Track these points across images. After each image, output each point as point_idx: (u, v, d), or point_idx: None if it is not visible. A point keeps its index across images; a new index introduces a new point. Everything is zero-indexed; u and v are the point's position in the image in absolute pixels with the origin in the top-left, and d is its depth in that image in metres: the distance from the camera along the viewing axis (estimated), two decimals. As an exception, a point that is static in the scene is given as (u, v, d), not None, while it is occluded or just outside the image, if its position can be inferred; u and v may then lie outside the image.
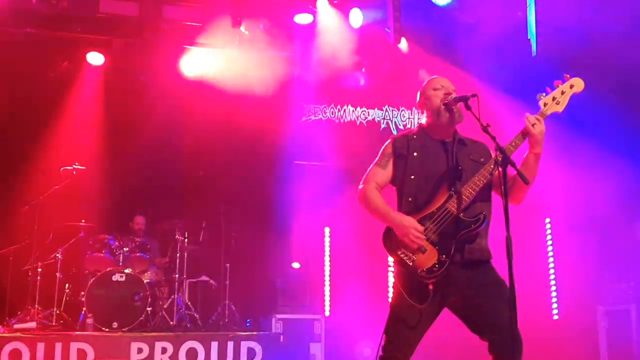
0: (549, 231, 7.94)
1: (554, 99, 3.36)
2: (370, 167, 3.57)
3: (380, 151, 3.57)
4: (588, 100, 3.96)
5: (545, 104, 3.36)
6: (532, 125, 3.26)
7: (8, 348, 6.21)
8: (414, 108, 8.65)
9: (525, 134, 3.30)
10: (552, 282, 7.76)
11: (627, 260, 6.90)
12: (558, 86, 3.39)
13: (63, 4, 7.21)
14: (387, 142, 3.60)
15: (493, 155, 3.34)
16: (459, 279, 3.27)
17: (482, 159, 3.41)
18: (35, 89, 8.14)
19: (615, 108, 6.71)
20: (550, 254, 7.90)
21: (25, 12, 7.47)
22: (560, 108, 3.37)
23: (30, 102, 8.08)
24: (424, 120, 3.60)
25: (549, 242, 7.92)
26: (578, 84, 3.37)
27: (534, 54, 7.21)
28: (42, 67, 8.18)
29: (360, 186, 3.52)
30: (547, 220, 7.95)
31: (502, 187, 3.10)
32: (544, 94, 3.38)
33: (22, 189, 7.60)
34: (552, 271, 7.81)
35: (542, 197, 6.63)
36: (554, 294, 7.75)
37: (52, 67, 8.24)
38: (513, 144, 3.27)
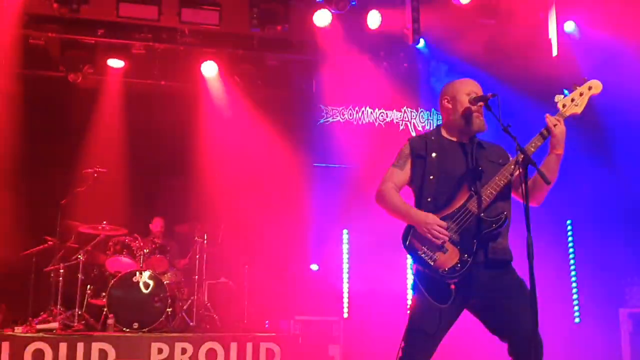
0: (570, 233, 7.85)
1: (572, 100, 3.41)
2: (389, 168, 3.58)
3: (398, 153, 3.59)
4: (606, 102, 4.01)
5: (564, 105, 3.40)
6: (554, 125, 3.30)
7: (31, 348, 6.24)
8: (433, 109, 8.67)
9: (546, 134, 3.33)
10: (574, 285, 7.68)
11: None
12: (576, 88, 3.43)
13: (83, 8, 7.16)
14: (405, 143, 3.61)
15: (511, 157, 3.41)
16: (481, 279, 3.29)
17: (500, 161, 3.45)
18: (58, 93, 8.26)
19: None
20: (572, 255, 7.80)
21: (46, 17, 7.56)
22: (579, 109, 3.41)
23: (54, 105, 8.22)
24: (444, 121, 3.63)
25: (570, 244, 7.83)
26: (596, 86, 3.43)
27: (554, 54, 7.24)
28: (63, 71, 8.19)
29: (379, 187, 3.54)
30: (569, 222, 7.86)
31: (523, 187, 3.13)
32: (563, 96, 3.43)
33: (46, 191, 7.63)
34: (573, 273, 7.72)
35: (563, 199, 6.61)
36: (575, 296, 7.66)
37: (74, 70, 8.20)
38: (533, 144, 3.31)
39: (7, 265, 7.31)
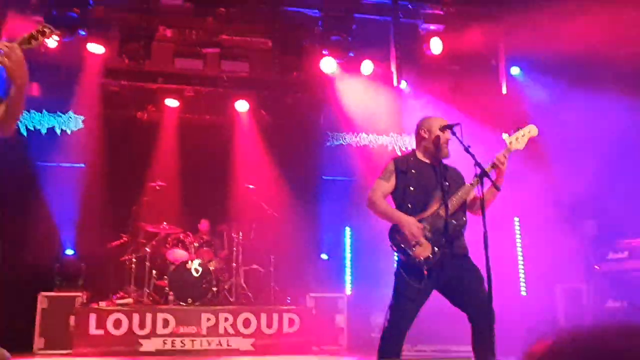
0: (517, 227, 7.84)
1: (517, 138, 3.48)
2: (376, 180, 3.57)
3: (383, 169, 3.59)
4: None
5: (510, 142, 3.47)
6: (502, 163, 3.40)
7: (112, 318, 6.42)
8: (412, 134, 8.70)
9: (494, 167, 3.41)
10: (521, 266, 7.65)
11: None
12: (519, 129, 3.50)
13: (147, 62, 7.19)
14: (389, 161, 3.62)
15: (464, 179, 3.53)
16: (448, 267, 3.37)
17: (459, 180, 3.57)
18: (129, 126, 8.38)
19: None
20: (519, 245, 7.76)
21: (120, 70, 7.58)
22: (521, 146, 3.49)
23: (126, 135, 8.30)
24: (419, 147, 3.62)
25: (518, 236, 7.80)
26: (534, 130, 3.51)
27: (504, 92, 7.36)
28: (133, 109, 8.39)
29: (369, 195, 3.54)
30: (516, 219, 7.86)
31: (481, 192, 3.28)
32: (509, 135, 3.48)
33: (122, 200, 7.70)
34: (520, 258, 7.69)
35: (512, 200, 6.63)
36: (522, 274, 7.64)
37: (141, 109, 8.43)
38: (487, 169, 3.36)
39: (94, 256, 7.40)
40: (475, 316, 3.32)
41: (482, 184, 3.34)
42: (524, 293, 7.67)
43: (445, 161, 3.63)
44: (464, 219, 3.46)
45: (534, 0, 5.78)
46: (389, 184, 3.54)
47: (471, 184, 3.42)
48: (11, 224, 6.19)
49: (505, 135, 3.52)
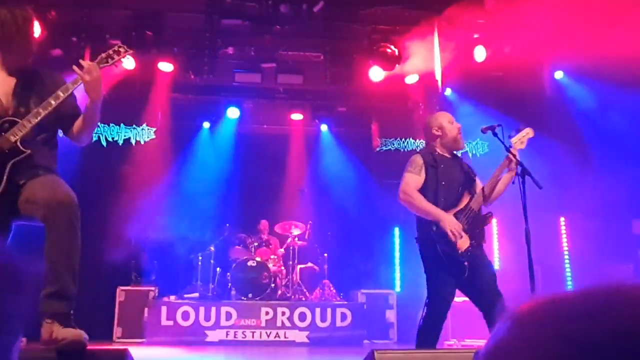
0: (563, 227, 7.44)
1: (520, 140, 3.49)
2: (406, 174, 3.39)
3: (411, 163, 3.43)
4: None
5: (515, 142, 3.46)
6: (513, 159, 3.36)
7: (181, 310, 6.61)
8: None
9: (506, 166, 3.40)
10: (567, 267, 7.27)
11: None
12: (519, 131, 3.52)
13: (210, 77, 7.35)
14: (415, 156, 3.47)
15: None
16: (477, 258, 3.32)
17: (474, 172, 3.56)
18: (194, 135, 8.61)
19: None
20: (565, 242, 7.29)
21: (186, 83, 7.76)
22: (523, 146, 3.49)
23: (192, 143, 8.50)
24: (435, 144, 3.52)
25: (564, 236, 7.37)
26: (531, 132, 3.54)
27: (548, 95, 7.14)
28: (199, 120, 8.59)
29: (402, 188, 3.37)
30: (562, 219, 7.48)
31: (521, 189, 3.26)
32: (514, 136, 3.48)
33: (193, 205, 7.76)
34: (567, 258, 7.27)
35: (558, 199, 6.45)
36: (569, 276, 7.25)
37: (205, 119, 8.61)
38: (501, 167, 3.41)
39: (166, 253, 7.48)
40: (488, 307, 3.22)
41: (523, 182, 3.28)
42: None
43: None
44: (490, 211, 3.46)
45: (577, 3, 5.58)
46: (420, 178, 3.37)
47: (512, 182, 3.38)
48: (93, 225, 6.51)
49: (512, 137, 3.50)
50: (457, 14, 6.76)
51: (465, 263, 3.24)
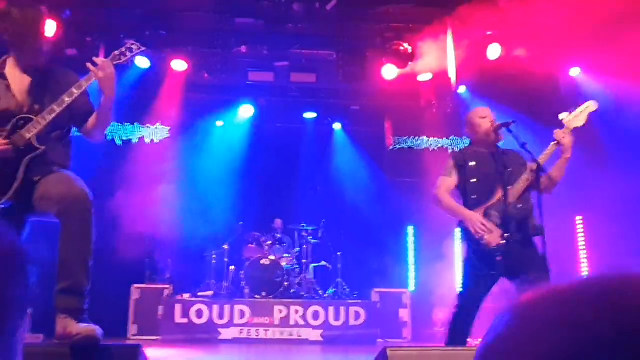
0: (580, 225, 7.35)
1: (575, 116, 3.31)
2: (439, 178, 3.51)
3: (444, 165, 3.54)
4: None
5: (569, 121, 3.30)
6: (562, 137, 3.24)
7: (195, 308, 6.62)
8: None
9: (555, 145, 3.26)
10: (585, 265, 7.19)
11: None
12: (577, 107, 3.34)
13: (223, 76, 7.32)
14: (448, 158, 3.59)
15: (526, 159, 3.35)
16: (516, 253, 3.22)
17: (520, 162, 3.40)
18: (208, 134, 8.58)
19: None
20: (582, 241, 7.24)
21: (200, 84, 7.75)
22: (581, 123, 3.31)
23: (208, 142, 8.51)
24: (473, 141, 3.57)
25: (581, 234, 7.30)
26: (593, 105, 3.34)
27: (562, 93, 7.04)
28: (212, 119, 8.61)
29: (433, 192, 3.49)
30: (579, 218, 7.41)
31: (536, 187, 3.21)
32: (567, 113, 3.33)
33: (206, 203, 7.75)
34: (584, 256, 7.21)
35: (573, 198, 6.35)
36: (586, 274, 7.23)
37: (219, 118, 8.63)
38: (547, 153, 3.27)
39: (179, 251, 7.59)
40: None
41: (538, 178, 3.23)
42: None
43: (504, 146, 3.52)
44: (532, 201, 3.32)
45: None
46: (452, 179, 3.47)
47: (529, 171, 3.29)
48: (108, 223, 6.58)
49: (563, 114, 3.34)
50: (469, 12, 6.71)
51: (498, 258, 3.20)
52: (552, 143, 3.29)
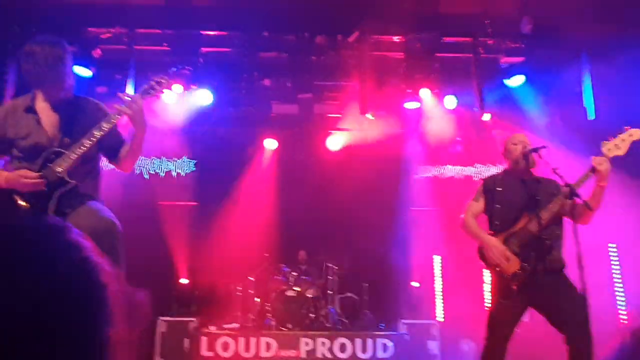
0: (615, 254, 7.09)
1: (615, 145, 3.23)
2: (469, 202, 3.56)
3: (477, 189, 3.60)
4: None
5: (608, 149, 3.22)
6: (599, 164, 3.15)
7: (220, 341, 6.48)
8: (497, 164, 8.41)
9: (592, 171, 3.16)
10: (620, 294, 6.93)
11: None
12: (618, 135, 3.26)
13: (248, 110, 7.45)
14: (480, 182, 3.64)
15: (562, 189, 3.23)
16: (540, 283, 3.16)
17: (554, 191, 3.33)
18: (238, 164, 8.67)
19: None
20: (617, 269, 6.97)
21: (225, 116, 7.78)
22: (621, 152, 3.21)
23: (234, 175, 8.56)
24: (507, 165, 3.56)
25: (616, 263, 7.02)
26: (636, 133, 3.24)
27: (590, 117, 6.90)
28: (238, 151, 8.66)
29: (462, 217, 3.52)
30: (613, 245, 7.14)
31: (570, 214, 3.13)
32: (607, 141, 3.24)
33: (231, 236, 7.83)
34: (620, 286, 6.94)
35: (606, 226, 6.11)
36: (621, 303, 6.89)
37: (244, 150, 8.70)
38: (582, 179, 3.19)
39: (205, 284, 7.68)
40: (573, 337, 3.04)
41: (572, 205, 3.13)
42: (624, 320, 6.94)
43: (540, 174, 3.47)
44: (558, 232, 3.26)
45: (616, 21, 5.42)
46: (479, 204, 3.51)
47: (560, 198, 3.19)
48: (135, 256, 6.58)
49: (604, 143, 3.23)
50: (493, 41, 6.72)
51: (513, 287, 3.15)
52: (588, 170, 3.19)
